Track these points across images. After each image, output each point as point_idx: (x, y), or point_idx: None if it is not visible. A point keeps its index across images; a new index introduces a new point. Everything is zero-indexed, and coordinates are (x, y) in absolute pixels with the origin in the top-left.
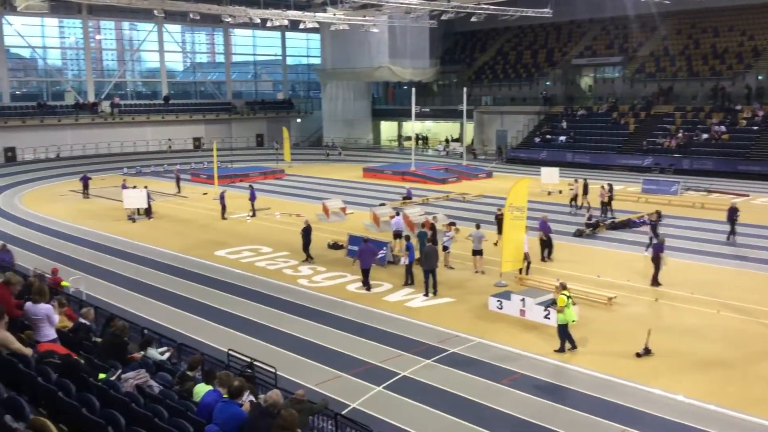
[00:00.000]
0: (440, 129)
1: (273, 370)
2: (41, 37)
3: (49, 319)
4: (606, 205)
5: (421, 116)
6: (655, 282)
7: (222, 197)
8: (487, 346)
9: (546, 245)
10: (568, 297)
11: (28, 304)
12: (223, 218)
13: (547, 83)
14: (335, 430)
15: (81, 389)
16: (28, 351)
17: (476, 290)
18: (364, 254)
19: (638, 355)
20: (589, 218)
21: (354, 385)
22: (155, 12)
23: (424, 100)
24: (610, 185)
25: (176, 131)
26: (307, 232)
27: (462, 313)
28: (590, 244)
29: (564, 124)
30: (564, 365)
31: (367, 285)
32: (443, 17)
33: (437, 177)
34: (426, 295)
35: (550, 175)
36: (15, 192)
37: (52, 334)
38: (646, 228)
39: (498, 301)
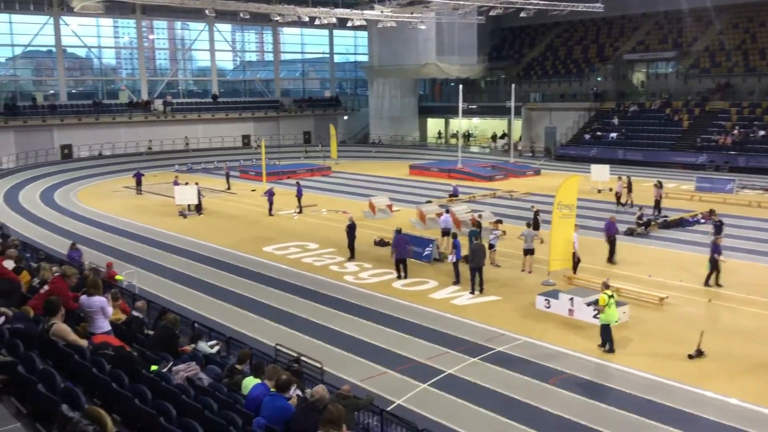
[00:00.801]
0: (487, 126)
1: (319, 366)
2: (96, 37)
3: (104, 311)
4: (658, 204)
5: (468, 113)
6: (708, 283)
7: (269, 194)
8: (534, 345)
9: (611, 246)
10: (610, 296)
11: (83, 296)
12: (270, 215)
13: (598, 79)
14: (381, 427)
15: (134, 380)
16: (84, 342)
17: (523, 289)
18: (398, 245)
19: (690, 356)
20: (640, 217)
21: (399, 381)
22: (206, 12)
23: (471, 96)
24: (660, 183)
25: (226, 129)
26: (351, 230)
27: (508, 312)
28: (642, 243)
29: (615, 121)
30: (612, 365)
31: (398, 274)
32: (491, 13)
33: (484, 174)
34: (472, 292)
35: (600, 172)
36: (71, 188)
37: (106, 326)
38: (708, 227)
39: (546, 300)
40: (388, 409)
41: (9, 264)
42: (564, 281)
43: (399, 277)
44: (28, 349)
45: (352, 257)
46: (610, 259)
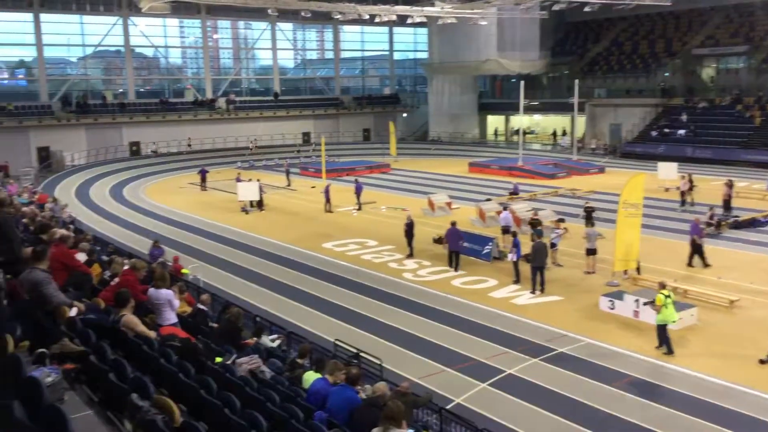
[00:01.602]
0: (549, 123)
1: (378, 362)
2: (163, 37)
3: (171, 303)
4: (728, 203)
5: (529, 110)
6: None
7: (327, 191)
8: (597, 347)
9: (695, 250)
10: (667, 296)
11: (151, 289)
12: (328, 211)
13: (666, 74)
14: (440, 425)
15: (199, 372)
16: (152, 334)
17: (586, 289)
18: (451, 237)
19: (762, 361)
20: (711, 217)
21: (458, 380)
22: (269, 11)
23: (533, 93)
24: (731, 182)
25: (286, 126)
26: (410, 228)
27: (571, 312)
28: (712, 243)
29: (684, 117)
30: (677, 368)
31: (451, 265)
32: (555, 8)
33: (546, 172)
34: (533, 292)
35: (667, 170)
36: (139, 184)
37: (173, 318)
38: None
39: (610, 300)
40: (448, 407)
41: (81, 257)
42: (629, 282)
43: (451, 268)
44: (99, 339)
45: (410, 255)
46: (690, 263)
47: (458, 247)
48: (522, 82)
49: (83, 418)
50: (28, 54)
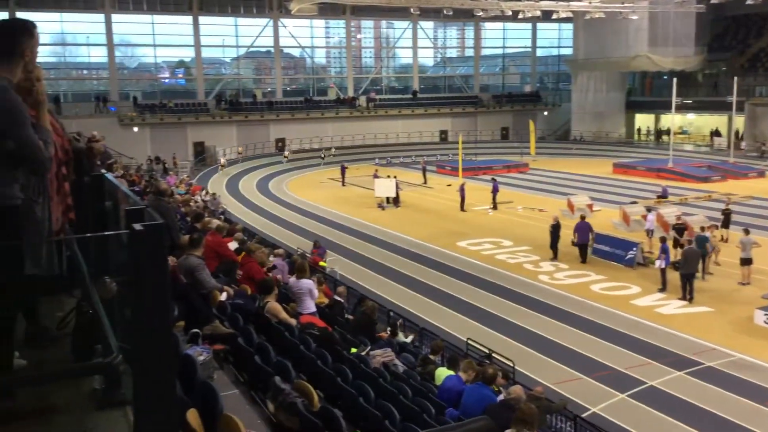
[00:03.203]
0: (703, 122)
1: (511, 364)
2: (310, 38)
3: (311, 293)
4: None
5: (681, 108)
6: None
7: (462, 189)
8: (750, 364)
9: None
10: None
11: (293, 279)
12: (462, 210)
13: None
14: None
15: (336, 360)
16: (293, 321)
17: (740, 301)
18: (580, 230)
19: None
20: None
21: (595, 389)
22: (411, 10)
23: (686, 90)
24: None
25: (424, 124)
26: (555, 230)
27: (722, 325)
28: None
29: None
30: None
31: (581, 259)
32: (713, 0)
33: (698, 175)
34: (684, 299)
35: None
36: (283, 179)
37: (312, 307)
38: None
39: (766, 314)
40: (583, 415)
41: (233, 245)
42: None
43: (582, 262)
44: (246, 323)
45: (554, 257)
46: None
47: (586, 239)
48: (675, 79)
49: (231, 396)
50: (187, 54)
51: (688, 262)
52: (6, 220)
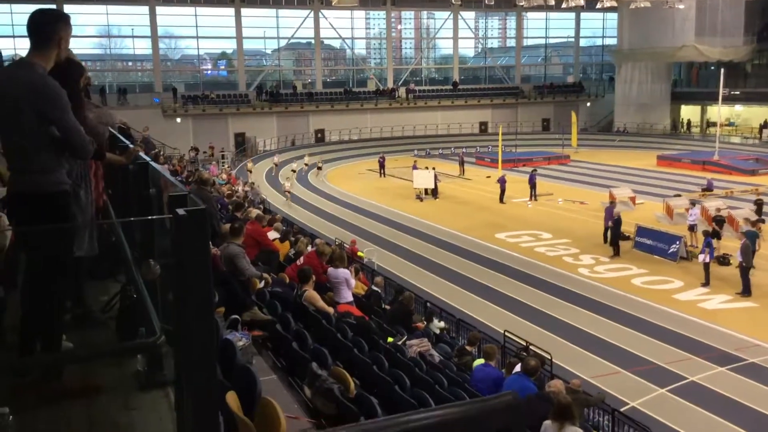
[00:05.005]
0: (751, 114)
1: (549, 357)
2: (350, 29)
3: (347, 282)
4: None
5: (729, 100)
6: None
7: (501, 181)
8: None
9: None
10: None
11: (330, 268)
12: (502, 202)
13: None
14: (612, 427)
15: (372, 349)
16: (330, 310)
17: None
18: (608, 212)
19: None
20: None
21: (634, 383)
22: (452, 0)
23: (734, 81)
24: None
25: (463, 116)
26: (617, 225)
27: (766, 321)
28: None
29: None
30: None
31: (606, 242)
32: None
33: (745, 168)
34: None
35: None
36: (323, 170)
37: (349, 296)
38: None
39: None
40: (621, 409)
41: (274, 235)
42: None
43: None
44: (284, 310)
45: (616, 254)
46: None
47: (606, 223)
48: (722, 70)
49: (269, 381)
50: (229, 46)
51: (746, 257)
52: (57, 206)
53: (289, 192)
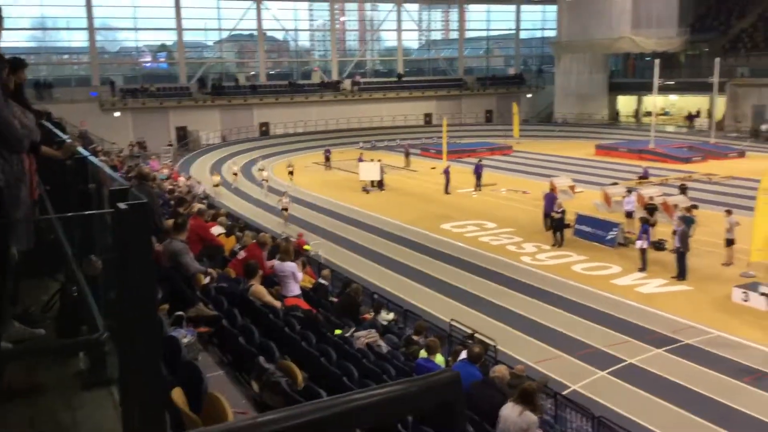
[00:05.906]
0: (685, 104)
1: (493, 344)
2: (293, 21)
3: (294, 276)
4: None
5: (664, 90)
6: None
7: (447, 172)
8: (727, 340)
9: None
10: None
11: (277, 262)
12: (447, 192)
13: None
14: (555, 410)
15: (320, 341)
16: (277, 304)
17: (718, 279)
18: (547, 200)
19: None
20: None
21: (575, 367)
22: None
23: (669, 72)
24: None
25: (408, 107)
26: (562, 216)
27: (700, 303)
28: None
29: None
30: None
31: (547, 229)
32: None
33: (679, 156)
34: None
35: None
36: (267, 163)
37: (296, 290)
38: None
39: (744, 292)
40: (563, 393)
41: (218, 230)
42: (766, 272)
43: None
44: (230, 306)
45: (559, 244)
46: None
47: (551, 209)
48: (657, 61)
49: (216, 377)
50: (169, 38)
51: (684, 242)
52: None
53: (286, 210)
